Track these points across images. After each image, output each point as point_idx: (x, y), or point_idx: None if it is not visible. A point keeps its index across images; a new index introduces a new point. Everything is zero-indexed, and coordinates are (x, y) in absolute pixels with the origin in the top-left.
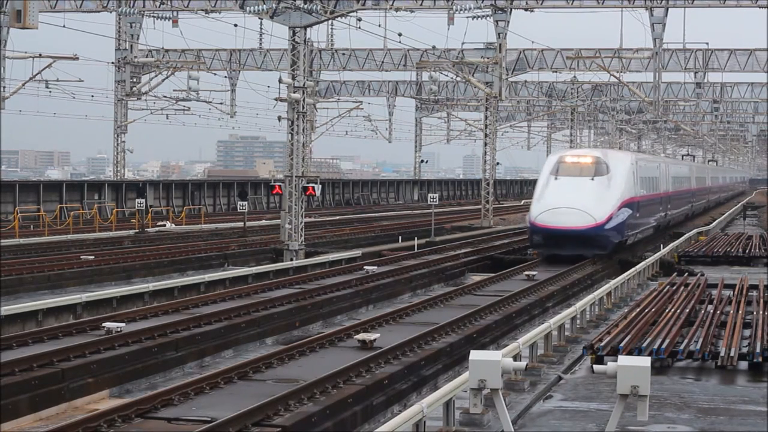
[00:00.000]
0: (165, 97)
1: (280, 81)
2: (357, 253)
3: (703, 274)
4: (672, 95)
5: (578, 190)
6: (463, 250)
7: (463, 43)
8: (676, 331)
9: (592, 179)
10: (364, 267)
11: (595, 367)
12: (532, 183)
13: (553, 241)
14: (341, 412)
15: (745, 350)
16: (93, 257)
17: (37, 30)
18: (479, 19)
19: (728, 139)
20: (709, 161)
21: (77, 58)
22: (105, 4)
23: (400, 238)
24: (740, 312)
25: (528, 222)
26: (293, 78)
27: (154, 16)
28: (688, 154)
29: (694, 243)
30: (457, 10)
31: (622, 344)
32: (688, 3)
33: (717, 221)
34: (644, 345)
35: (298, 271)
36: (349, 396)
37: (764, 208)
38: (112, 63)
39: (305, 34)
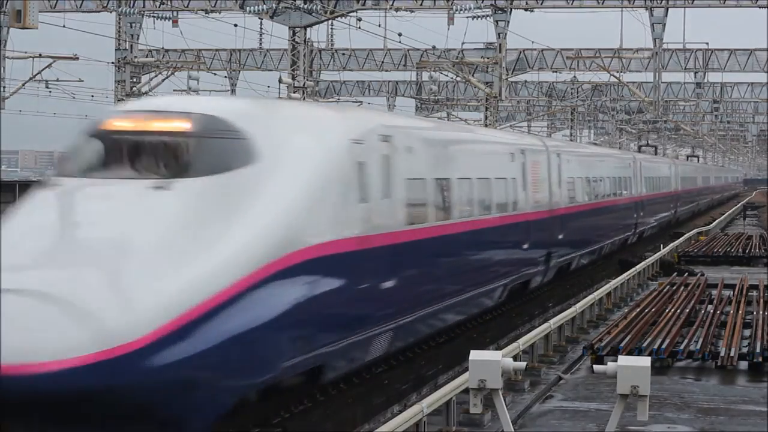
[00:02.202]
0: None
1: (280, 81)
2: None
3: (703, 274)
4: (672, 95)
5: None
6: None
7: (463, 43)
8: (676, 331)
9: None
10: None
11: (595, 367)
12: None
13: None
14: None
15: (745, 350)
16: None
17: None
18: (479, 19)
19: (728, 139)
20: (688, 157)
21: (77, 58)
22: (105, 4)
23: None
24: (740, 312)
25: None
26: (293, 78)
27: (154, 16)
28: (647, 144)
29: (694, 243)
30: (457, 10)
31: (622, 344)
32: (688, 3)
33: (717, 221)
34: (644, 345)
35: None
36: None
37: (764, 208)
38: (112, 63)
39: (305, 34)
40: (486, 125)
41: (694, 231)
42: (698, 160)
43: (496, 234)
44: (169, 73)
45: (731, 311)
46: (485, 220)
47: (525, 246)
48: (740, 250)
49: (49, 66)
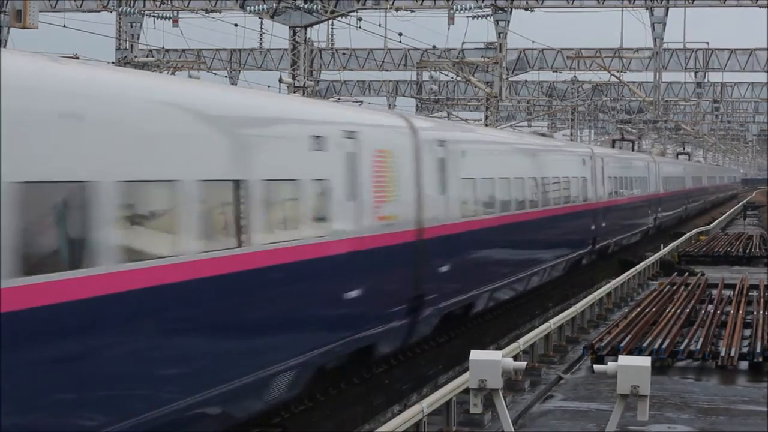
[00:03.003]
0: None
1: (280, 81)
2: None
3: (703, 274)
4: (672, 95)
5: None
6: None
7: (463, 43)
8: (677, 331)
9: None
10: None
11: (596, 367)
12: None
13: None
14: None
15: (745, 350)
16: None
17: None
18: (479, 18)
19: (728, 138)
20: (678, 154)
21: (78, 58)
22: (105, 4)
23: None
24: (740, 312)
25: None
26: (293, 78)
27: (154, 16)
28: (622, 139)
29: (694, 243)
30: (457, 10)
31: (622, 344)
32: (688, 3)
33: (717, 221)
34: (644, 345)
35: None
36: None
37: (764, 208)
38: (113, 63)
39: (306, 33)
40: (486, 125)
41: (695, 231)
42: (689, 158)
43: (569, 219)
44: (170, 72)
45: (731, 311)
46: (559, 208)
47: (580, 230)
48: (741, 249)
49: None
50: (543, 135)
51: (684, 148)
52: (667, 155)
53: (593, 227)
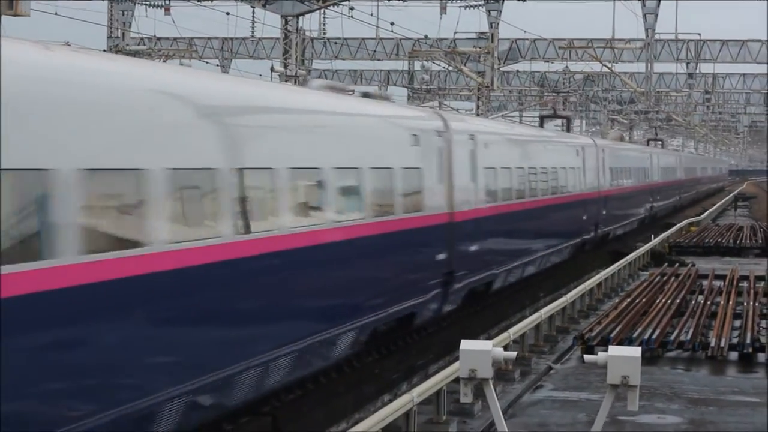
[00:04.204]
0: None
1: (272, 70)
2: None
3: (693, 265)
4: (664, 86)
5: None
6: None
7: (455, 33)
8: (667, 322)
9: None
10: None
11: (586, 357)
12: None
13: None
14: None
15: (735, 341)
16: None
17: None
18: (471, 8)
19: (720, 130)
20: (650, 141)
21: (69, 46)
22: None
23: None
24: (731, 303)
25: None
26: (285, 67)
27: (146, 4)
28: (554, 115)
29: (685, 233)
30: (449, 0)
31: (612, 334)
32: None
33: (708, 212)
34: (635, 335)
35: None
36: None
37: (755, 199)
38: (104, 51)
39: (297, 22)
40: (478, 115)
41: (685, 222)
42: (662, 145)
43: (578, 205)
44: (161, 61)
45: (722, 302)
46: (570, 195)
47: (585, 217)
48: (731, 240)
49: None
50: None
51: (656, 134)
52: (638, 142)
53: (596, 214)
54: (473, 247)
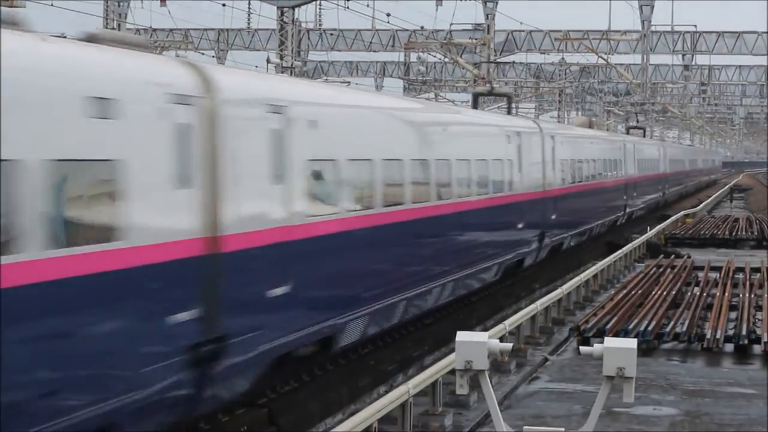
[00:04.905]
0: None
1: (268, 61)
2: None
3: (689, 257)
4: (660, 77)
5: None
6: None
7: (451, 24)
8: (663, 313)
9: None
10: None
11: (581, 348)
12: None
13: None
14: None
15: (731, 332)
16: None
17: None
18: (468, 0)
19: (716, 121)
20: (630, 129)
21: (65, 37)
22: None
23: None
24: (726, 294)
25: None
26: (281, 58)
27: None
28: (490, 93)
29: (680, 225)
30: None
31: (608, 326)
32: None
33: (704, 203)
34: (630, 327)
35: None
36: None
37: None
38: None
39: (293, 14)
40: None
41: (681, 213)
42: (644, 134)
43: (507, 210)
44: (157, 52)
45: (717, 294)
46: (492, 198)
47: (520, 224)
48: (727, 232)
49: None
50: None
51: (637, 121)
52: (614, 130)
53: (540, 220)
54: (553, 216)
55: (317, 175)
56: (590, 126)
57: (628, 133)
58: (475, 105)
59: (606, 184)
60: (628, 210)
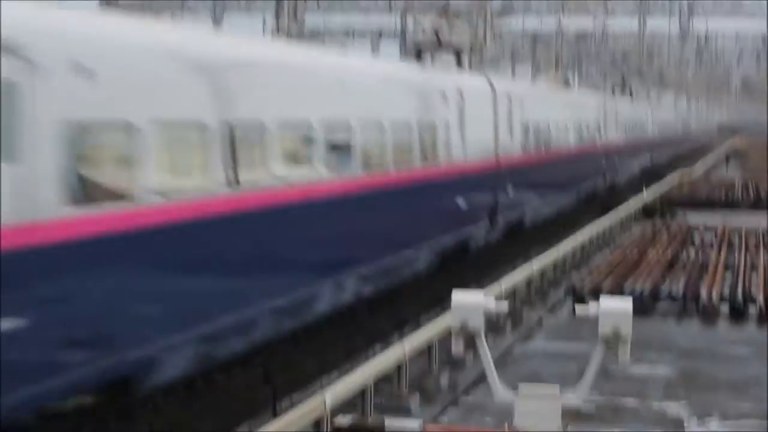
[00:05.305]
0: None
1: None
2: None
3: (685, 215)
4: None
5: None
6: None
7: None
8: (659, 274)
9: None
10: None
11: (577, 308)
12: None
13: None
14: None
15: (726, 293)
16: None
17: None
18: None
19: (712, 87)
20: (615, 88)
21: None
22: None
23: None
24: (722, 255)
25: None
26: (278, 20)
27: None
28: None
29: (677, 187)
30: None
31: (604, 285)
32: None
33: (700, 162)
34: (626, 286)
35: None
36: None
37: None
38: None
39: None
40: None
41: (678, 172)
42: (630, 94)
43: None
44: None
45: (713, 255)
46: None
47: (465, 204)
48: (723, 195)
49: None
50: None
51: (623, 80)
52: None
53: (492, 198)
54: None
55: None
56: (567, 84)
57: (612, 93)
58: (418, 58)
59: (581, 151)
60: (608, 180)
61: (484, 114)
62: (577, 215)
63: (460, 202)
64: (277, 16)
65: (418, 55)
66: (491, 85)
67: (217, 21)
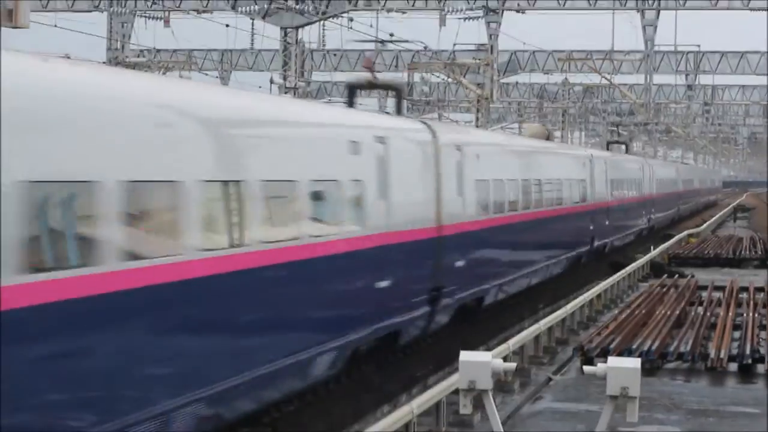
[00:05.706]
0: None
1: (271, 82)
2: None
3: (693, 276)
4: (663, 97)
5: None
6: None
7: (454, 45)
8: (666, 333)
9: None
10: None
11: (585, 368)
12: None
13: None
14: None
15: (735, 352)
16: None
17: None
18: (471, 20)
19: (719, 141)
20: (610, 144)
21: (69, 58)
22: (97, 4)
23: None
24: (730, 314)
25: None
26: (285, 79)
27: (145, 16)
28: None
29: (684, 245)
30: (448, 12)
31: (612, 345)
32: (679, 5)
33: (707, 223)
34: (634, 346)
35: None
36: None
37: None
38: (104, 63)
39: (297, 34)
40: (477, 126)
41: (685, 233)
42: (626, 149)
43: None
44: (161, 73)
45: (721, 313)
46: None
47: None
48: (731, 252)
49: None
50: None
51: (619, 134)
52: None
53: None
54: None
55: None
56: (547, 137)
57: (608, 148)
58: (350, 101)
59: (562, 212)
60: (596, 243)
61: (420, 168)
62: (556, 286)
63: (380, 283)
64: (284, 73)
65: (351, 96)
66: (433, 132)
67: (224, 78)
